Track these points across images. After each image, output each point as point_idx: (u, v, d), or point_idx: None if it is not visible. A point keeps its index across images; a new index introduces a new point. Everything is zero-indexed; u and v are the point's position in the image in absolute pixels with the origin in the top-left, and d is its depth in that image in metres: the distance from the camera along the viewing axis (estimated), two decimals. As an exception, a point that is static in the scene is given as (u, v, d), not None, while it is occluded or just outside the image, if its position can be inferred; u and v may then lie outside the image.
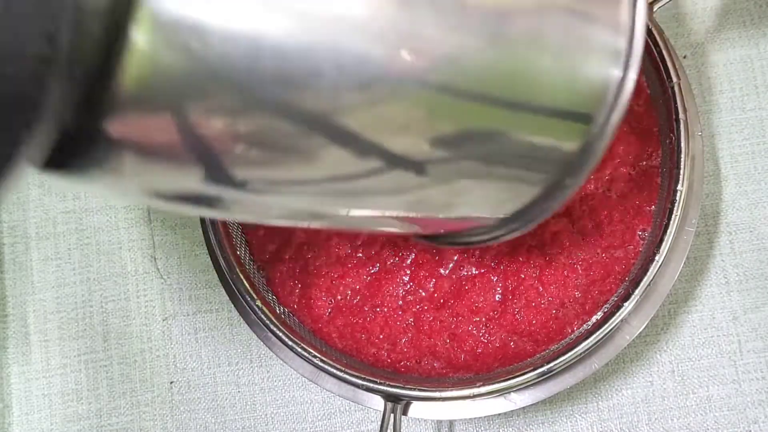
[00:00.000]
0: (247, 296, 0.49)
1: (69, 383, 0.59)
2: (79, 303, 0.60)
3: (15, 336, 0.60)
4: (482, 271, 0.51)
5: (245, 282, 0.50)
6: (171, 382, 0.59)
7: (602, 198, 0.51)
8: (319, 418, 0.57)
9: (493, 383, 0.46)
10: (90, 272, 0.61)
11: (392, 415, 0.47)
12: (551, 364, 0.46)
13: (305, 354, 0.48)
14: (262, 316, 0.49)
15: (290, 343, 0.48)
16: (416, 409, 0.48)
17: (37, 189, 0.62)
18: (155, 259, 0.60)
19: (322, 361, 0.48)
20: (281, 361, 0.58)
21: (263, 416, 0.57)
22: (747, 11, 0.59)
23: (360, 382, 0.47)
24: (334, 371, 0.47)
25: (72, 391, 0.59)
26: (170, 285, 0.60)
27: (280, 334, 0.48)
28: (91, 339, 0.60)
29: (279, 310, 0.51)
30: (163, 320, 0.60)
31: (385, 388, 0.47)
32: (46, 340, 0.60)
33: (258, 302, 0.49)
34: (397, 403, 0.47)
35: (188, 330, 0.59)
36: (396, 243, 0.52)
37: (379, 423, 0.47)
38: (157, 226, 0.61)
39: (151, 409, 0.58)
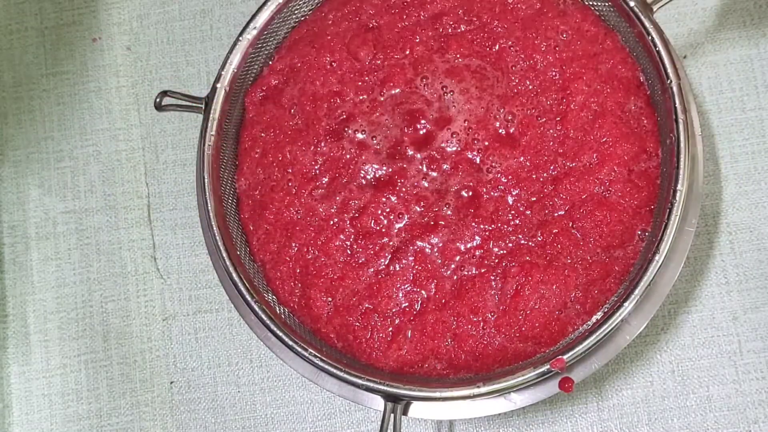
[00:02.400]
0: (247, 296, 0.49)
1: (69, 383, 0.59)
2: (79, 303, 0.60)
3: (15, 336, 0.60)
4: (482, 271, 0.51)
5: (245, 282, 0.50)
6: (171, 382, 0.59)
7: (601, 198, 0.51)
8: (320, 418, 0.57)
9: (493, 383, 0.46)
10: (90, 272, 0.61)
11: (392, 415, 0.47)
12: (551, 364, 0.46)
13: (305, 354, 0.48)
14: (263, 315, 0.49)
15: (290, 343, 0.48)
16: (416, 409, 0.48)
17: (37, 189, 0.62)
18: (155, 259, 0.61)
19: (322, 360, 0.48)
20: (281, 362, 0.58)
21: (263, 416, 0.57)
22: (747, 11, 0.59)
23: (360, 382, 0.47)
24: (335, 371, 0.47)
25: (72, 391, 0.59)
26: (170, 285, 0.60)
27: (280, 334, 0.48)
28: (91, 339, 0.60)
29: (279, 310, 0.51)
30: (163, 320, 0.60)
31: (385, 388, 0.47)
32: (46, 340, 0.60)
33: (258, 302, 0.49)
34: (398, 403, 0.47)
35: (188, 330, 0.59)
36: (398, 247, 0.52)
37: (379, 423, 0.47)
38: (157, 226, 0.61)
39: (151, 409, 0.58)
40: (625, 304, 0.46)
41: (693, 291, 0.56)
